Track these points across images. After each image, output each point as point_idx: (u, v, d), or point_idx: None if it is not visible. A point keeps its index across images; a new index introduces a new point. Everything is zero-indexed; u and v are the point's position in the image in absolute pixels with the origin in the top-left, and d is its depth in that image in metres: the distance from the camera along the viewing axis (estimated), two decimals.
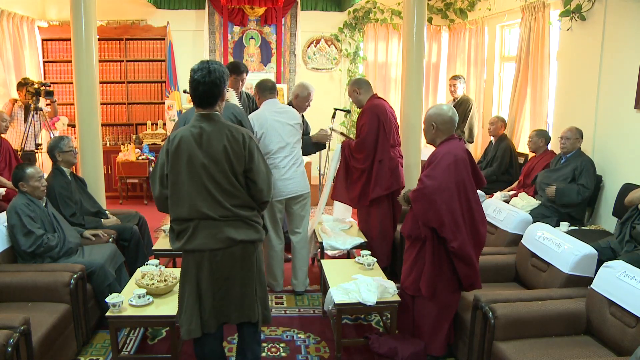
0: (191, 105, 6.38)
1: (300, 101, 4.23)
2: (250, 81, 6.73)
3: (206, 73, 2.28)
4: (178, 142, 2.30)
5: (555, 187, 4.02)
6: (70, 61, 4.58)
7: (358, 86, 4.10)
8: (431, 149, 2.96)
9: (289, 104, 4.32)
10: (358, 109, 4.32)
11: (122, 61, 6.90)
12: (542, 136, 4.59)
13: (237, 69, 4.27)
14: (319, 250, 4.02)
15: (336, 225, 4.25)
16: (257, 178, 2.36)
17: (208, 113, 2.34)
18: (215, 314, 2.42)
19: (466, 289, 2.88)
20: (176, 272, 3.15)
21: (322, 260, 3.59)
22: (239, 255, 2.38)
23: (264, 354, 3.09)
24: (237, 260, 2.38)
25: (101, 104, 5.27)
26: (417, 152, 4.67)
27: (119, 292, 3.00)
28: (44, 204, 3.34)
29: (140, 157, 6.41)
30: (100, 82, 5.02)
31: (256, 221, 2.42)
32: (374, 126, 3.90)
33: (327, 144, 4.42)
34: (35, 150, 5.27)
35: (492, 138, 5.40)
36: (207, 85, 2.28)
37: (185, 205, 2.31)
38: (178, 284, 2.98)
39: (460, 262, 2.77)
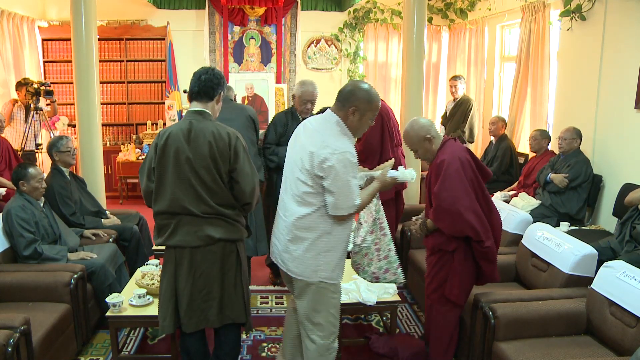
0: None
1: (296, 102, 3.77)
2: (251, 81, 6.80)
3: (209, 69, 2.42)
4: (167, 137, 2.33)
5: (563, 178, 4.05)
6: (70, 61, 4.59)
7: None
8: None
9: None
10: None
11: (122, 61, 6.90)
12: (545, 137, 4.59)
13: None
14: None
15: None
16: (240, 179, 2.35)
17: (201, 110, 2.37)
18: (196, 315, 2.39)
19: (484, 283, 2.82)
20: None
21: None
22: (219, 254, 2.38)
23: (264, 354, 3.09)
24: (217, 259, 2.38)
25: (101, 104, 5.27)
26: None
27: (119, 292, 3.01)
28: (41, 204, 3.34)
29: (140, 157, 6.41)
30: (100, 82, 5.02)
31: (237, 220, 2.42)
32: (377, 127, 3.83)
33: None
34: (36, 150, 5.27)
35: (492, 138, 5.40)
36: (209, 75, 2.38)
37: (167, 198, 2.33)
38: None
39: (485, 260, 2.69)
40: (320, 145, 2.19)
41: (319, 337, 2.36)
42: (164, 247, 3.64)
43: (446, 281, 2.75)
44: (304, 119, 3.33)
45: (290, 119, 3.83)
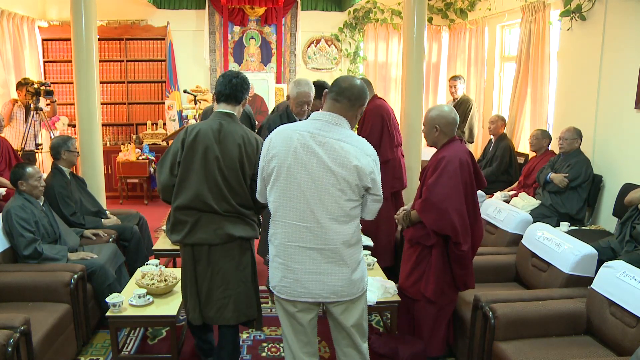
0: (191, 105, 6.44)
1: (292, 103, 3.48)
2: (251, 81, 6.79)
3: (238, 73, 2.48)
4: (196, 134, 2.37)
5: (562, 177, 4.05)
6: (70, 61, 4.59)
7: None
8: (431, 149, 2.94)
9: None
10: None
11: (122, 61, 6.90)
12: (546, 136, 4.60)
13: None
14: None
15: None
16: None
17: (229, 112, 2.43)
18: (213, 309, 2.46)
19: (460, 289, 2.87)
20: (176, 272, 3.15)
21: None
22: (236, 251, 2.44)
23: (264, 354, 3.10)
24: (235, 257, 2.44)
25: (101, 104, 5.27)
26: (417, 152, 4.67)
27: (119, 292, 3.00)
28: (41, 203, 3.34)
29: (140, 157, 6.40)
30: (100, 82, 5.02)
31: (253, 219, 2.49)
32: (377, 127, 3.85)
33: None
34: (36, 150, 5.27)
35: (491, 137, 5.40)
36: (239, 79, 2.44)
37: (190, 193, 2.36)
38: (179, 283, 3.02)
39: (458, 264, 2.74)
40: (360, 155, 1.99)
41: (364, 340, 2.34)
42: (164, 248, 3.66)
43: (423, 277, 2.79)
44: (300, 120, 3.24)
45: (287, 122, 3.56)
